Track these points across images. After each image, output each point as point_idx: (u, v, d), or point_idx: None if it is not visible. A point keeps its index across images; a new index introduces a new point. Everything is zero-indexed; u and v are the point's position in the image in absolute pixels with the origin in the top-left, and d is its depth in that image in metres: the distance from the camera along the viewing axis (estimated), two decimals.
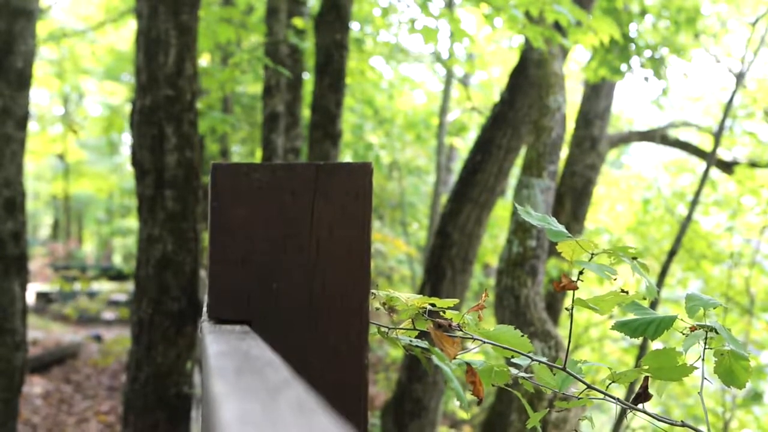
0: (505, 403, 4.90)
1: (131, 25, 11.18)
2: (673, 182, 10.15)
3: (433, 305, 1.11)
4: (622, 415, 1.15)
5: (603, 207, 10.46)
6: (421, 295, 1.11)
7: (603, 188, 10.61)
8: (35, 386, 8.24)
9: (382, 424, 5.87)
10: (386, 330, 1.11)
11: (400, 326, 1.12)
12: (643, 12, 6.32)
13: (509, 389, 1.19)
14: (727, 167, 7.57)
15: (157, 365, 3.63)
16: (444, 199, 7.87)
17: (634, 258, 1.10)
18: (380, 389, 9.44)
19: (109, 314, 13.14)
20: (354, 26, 7.96)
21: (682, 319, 1.16)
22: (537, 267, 3.66)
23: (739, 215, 7.91)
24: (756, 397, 6.73)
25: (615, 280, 1.10)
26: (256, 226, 0.89)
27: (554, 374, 1.19)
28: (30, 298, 10.89)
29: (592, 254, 1.10)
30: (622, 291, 1.13)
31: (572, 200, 6.88)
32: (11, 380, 4.47)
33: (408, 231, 11.84)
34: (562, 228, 1.12)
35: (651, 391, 1.17)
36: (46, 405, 7.75)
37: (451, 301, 1.11)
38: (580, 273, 1.10)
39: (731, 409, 6.51)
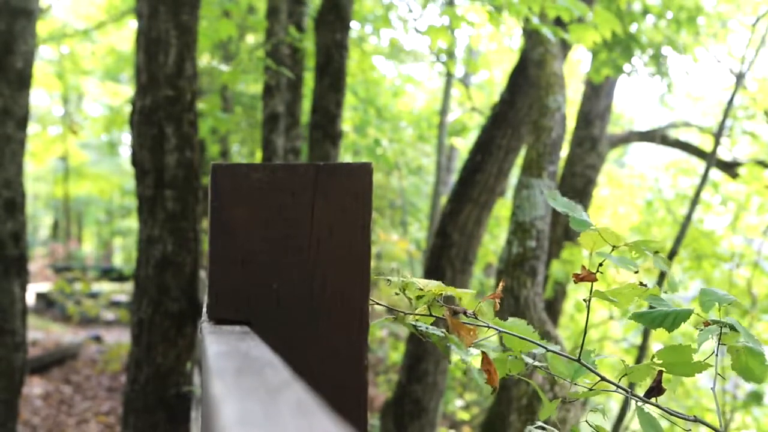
0: (504, 404, 4.90)
1: (131, 25, 11.18)
2: (675, 183, 10.15)
3: (450, 294, 1.11)
4: (624, 410, 1.14)
5: (607, 210, 10.45)
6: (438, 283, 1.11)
7: (607, 189, 10.60)
8: (35, 387, 8.24)
9: (382, 425, 5.87)
10: (403, 314, 1.11)
11: (415, 311, 1.12)
12: (645, 11, 6.32)
13: (523, 378, 1.19)
14: (728, 168, 7.56)
15: (157, 366, 3.63)
16: (444, 199, 7.88)
17: (656, 252, 1.10)
18: (381, 391, 9.43)
19: (109, 315, 13.13)
20: (354, 25, 7.97)
21: (698, 315, 1.16)
22: (536, 267, 3.66)
23: (741, 215, 7.91)
24: (756, 397, 6.72)
25: (636, 273, 1.10)
26: (256, 227, 0.89)
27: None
28: (30, 298, 10.89)
29: (614, 247, 1.10)
30: (641, 284, 1.13)
31: (572, 200, 6.88)
32: (11, 381, 4.47)
33: (408, 231, 11.84)
34: (586, 217, 1.12)
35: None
36: (46, 406, 7.75)
37: (469, 292, 1.12)
38: (600, 265, 1.10)
39: (732, 410, 6.51)
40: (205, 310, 0.92)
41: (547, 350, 1.15)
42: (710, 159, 6.85)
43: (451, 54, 8.90)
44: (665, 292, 1.16)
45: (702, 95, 10.87)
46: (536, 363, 1.17)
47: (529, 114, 5.10)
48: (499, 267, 3.81)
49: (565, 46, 4.87)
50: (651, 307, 1.19)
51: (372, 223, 0.92)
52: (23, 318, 4.60)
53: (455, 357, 1.09)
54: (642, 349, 6.25)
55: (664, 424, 1.15)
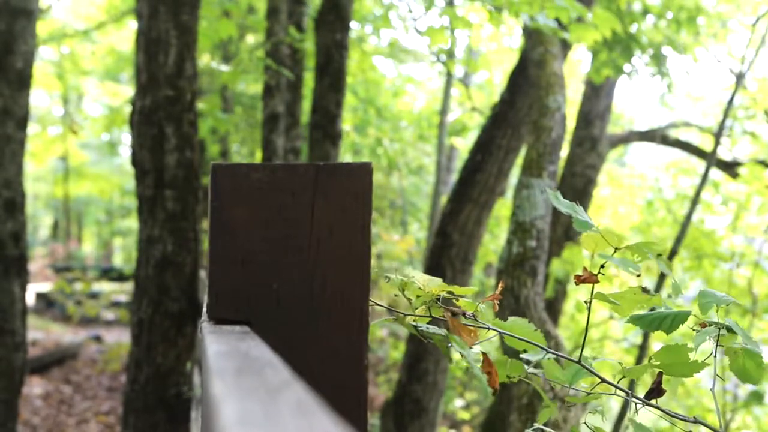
0: (505, 403, 4.89)
1: (131, 25, 11.17)
2: (675, 183, 10.15)
3: (451, 293, 1.10)
4: (625, 410, 1.15)
5: (607, 210, 10.45)
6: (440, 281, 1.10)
7: (607, 189, 10.60)
8: (35, 387, 8.24)
9: (382, 425, 5.87)
10: (403, 315, 1.10)
11: (415, 313, 1.11)
12: (645, 11, 6.32)
13: (525, 380, 1.19)
14: (728, 167, 7.56)
15: (157, 366, 3.63)
16: (444, 199, 7.88)
17: (659, 255, 1.10)
18: (381, 391, 9.44)
19: (109, 315, 13.13)
20: (354, 25, 7.97)
21: (695, 316, 1.16)
22: (537, 267, 3.66)
23: (742, 215, 7.91)
24: (757, 396, 6.72)
25: (638, 275, 1.10)
26: (256, 227, 0.89)
27: (564, 368, 1.18)
28: (30, 298, 10.89)
29: (615, 248, 1.09)
30: (643, 289, 1.13)
31: (572, 200, 6.88)
32: (11, 381, 4.47)
33: (408, 231, 11.84)
34: (588, 218, 1.12)
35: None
36: (46, 406, 7.75)
37: (469, 289, 1.11)
38: (602, 266, 1.09)
39: (732, 410, 6.51)
40: (205, 310, 0.92)
41: (548, 351, 1.15)
42: (710, 159, 6.85)
43: (451, 54, 8.90)
44: (669, 296, 1.16)
45: (702, 95, 10.86)
46: (533, 371, 1.16)
47: (529, 114, 5.10)
48: (499, 267, 3.81)
49: (565, 46, 4.87)
50: (650, 309, 1.18)
51: (372, 223, 0.92)
52: (23, 318, 4.60)
53: (456, 356, 1.09)
54: (642, 348, 6.25)
55: (664, 424, 1.15)
